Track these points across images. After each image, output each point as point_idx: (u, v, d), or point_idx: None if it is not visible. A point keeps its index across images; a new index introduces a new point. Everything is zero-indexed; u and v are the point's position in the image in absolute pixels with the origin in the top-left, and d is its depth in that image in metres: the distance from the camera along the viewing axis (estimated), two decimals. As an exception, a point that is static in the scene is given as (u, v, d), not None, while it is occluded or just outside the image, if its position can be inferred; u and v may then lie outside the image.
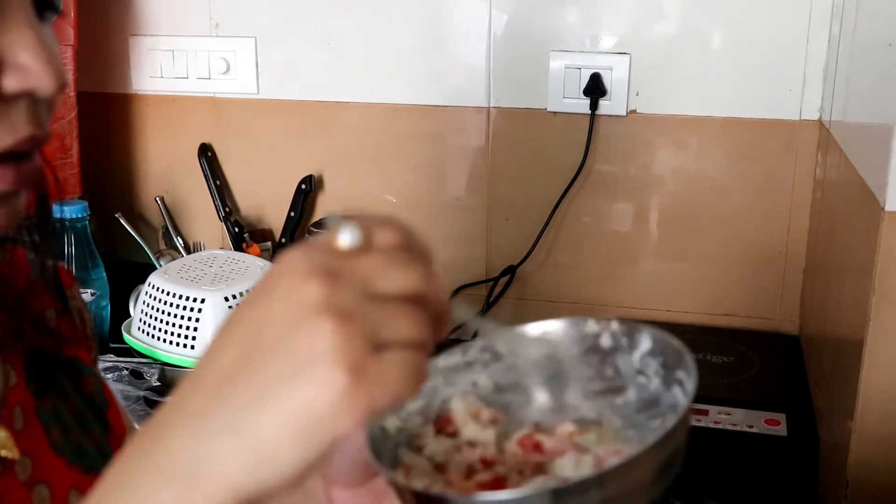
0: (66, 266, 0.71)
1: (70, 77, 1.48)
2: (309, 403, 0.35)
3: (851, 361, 0.93)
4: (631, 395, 0.52)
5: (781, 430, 1.12)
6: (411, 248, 0.39)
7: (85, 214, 1.38)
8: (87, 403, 0.65)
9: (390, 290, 0.38)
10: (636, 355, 0.51)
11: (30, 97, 0.47)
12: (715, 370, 1.27)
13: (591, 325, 0.53)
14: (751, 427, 1.12)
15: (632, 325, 0.52)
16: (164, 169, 1.63)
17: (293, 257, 0.38)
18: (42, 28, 0.49)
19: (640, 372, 0.51)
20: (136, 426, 0.73)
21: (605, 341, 0.52)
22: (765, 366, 1.30)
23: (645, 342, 0.51)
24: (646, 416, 0.50)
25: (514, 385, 0.54)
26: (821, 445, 1.12)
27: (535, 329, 0.53)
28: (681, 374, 0.48)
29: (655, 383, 0.50)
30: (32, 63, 0.46)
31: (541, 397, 0.53)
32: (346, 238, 0.39)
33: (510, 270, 1.49)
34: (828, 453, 1.07)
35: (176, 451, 0.37)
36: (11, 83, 0.46)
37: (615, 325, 0.52)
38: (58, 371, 0.64)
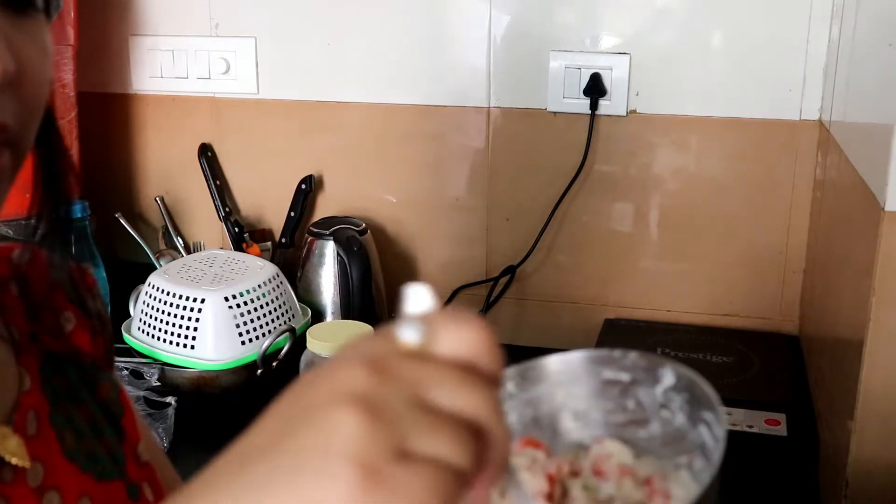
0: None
1: (70, 76, 1.48)
2: (311, 498, 0.32)
3: (851, 361, 0.93)
4: (655, 428, 0.50)
5: (781, 430, 1.12)
6: (480, 367, 0.35)
7: (85, 214, 1.38)
8: (102, 409, 0.63)
9: (441, 404, 0.34)
10: (659, 389, 0.50)
11: None
12: (715, 370, 1.27)
13: (609, 357, 0.51)
14: (751, 427, 1.12)
15: (653, 358, 0.50)
16: (164, 169, 1.63)
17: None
18: (15, 20, 0.45)
19: (663, 406, 0.50)
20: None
21: (624, 375, 0.51)
22: (765, 366, 1.30)
23: (668, 377, 0.49)
24: (672, 450, 0.49)
25: (535, 420, 0.52)
26: (821, 445, 1.12)
27: (551, 362, 0.51)
28: (708, 416, 0.47)
29: (680, 419, 0.49)
30: None
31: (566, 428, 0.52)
32: (408, 333, 0.35)
33: (510, 270, 1.49)
34: (828, 453, 1.07)
35: None
36: None
37: (635, 358, 0.50)
38: (73, 376, 0.62)
